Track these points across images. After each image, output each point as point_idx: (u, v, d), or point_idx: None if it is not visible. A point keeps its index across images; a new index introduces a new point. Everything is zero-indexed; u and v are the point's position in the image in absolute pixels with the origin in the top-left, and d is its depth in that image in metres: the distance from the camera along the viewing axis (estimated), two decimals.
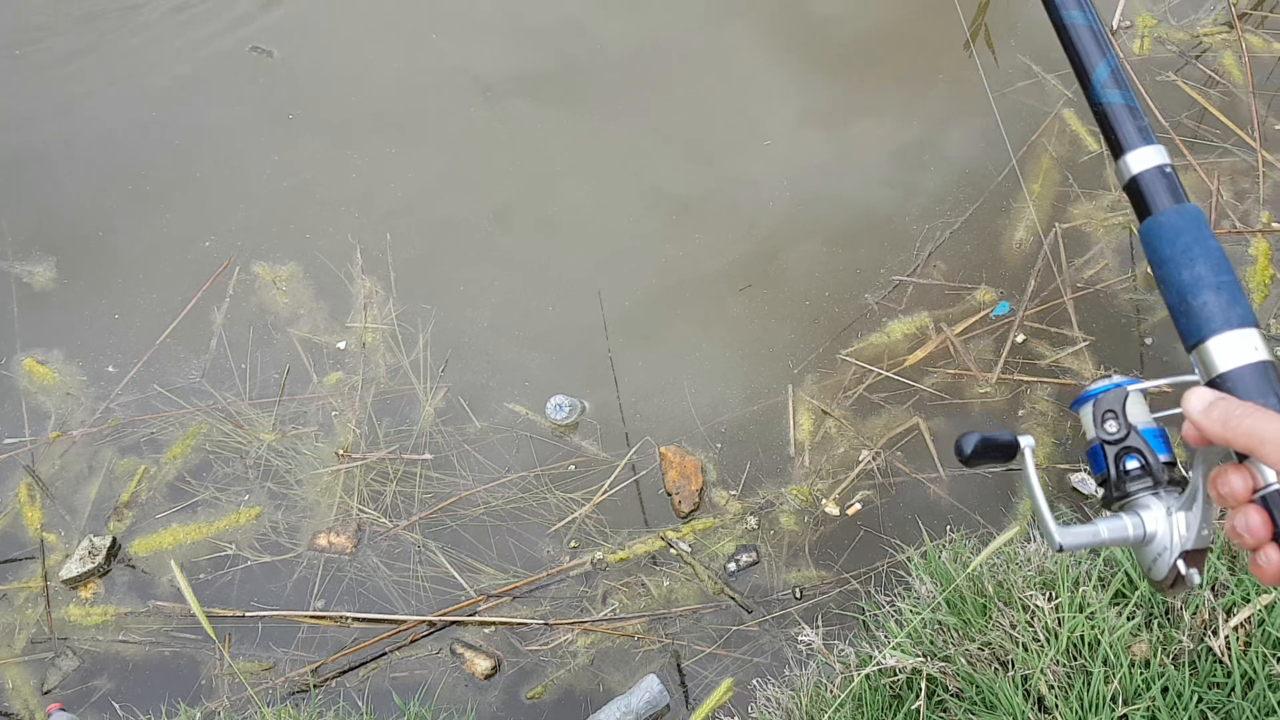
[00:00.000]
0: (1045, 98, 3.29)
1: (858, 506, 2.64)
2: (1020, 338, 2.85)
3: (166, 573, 2.60)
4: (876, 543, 2.59)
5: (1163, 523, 0.82)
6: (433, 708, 2.42)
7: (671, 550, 2.61)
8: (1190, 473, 0.80)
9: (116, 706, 2.43)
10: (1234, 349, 0.77)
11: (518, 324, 2.95)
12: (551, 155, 3.25)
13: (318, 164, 3.24)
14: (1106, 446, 0.85)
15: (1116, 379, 0.87)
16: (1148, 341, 2.82)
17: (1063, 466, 2.67)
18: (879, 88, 3.39)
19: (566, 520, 2.66)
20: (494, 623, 2.53)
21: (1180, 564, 0.80)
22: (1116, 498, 0.85)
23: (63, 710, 2.40)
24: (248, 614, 2.54)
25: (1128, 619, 2.07)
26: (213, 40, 3.49)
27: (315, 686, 2.45)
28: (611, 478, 2.71)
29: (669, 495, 2.68)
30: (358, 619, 2.54)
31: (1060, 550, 0.83)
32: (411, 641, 2.52)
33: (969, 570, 2.19)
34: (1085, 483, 2.60)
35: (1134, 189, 0.86)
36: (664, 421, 2.79)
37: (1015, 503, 2.61)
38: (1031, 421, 2.73)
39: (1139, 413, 0.86)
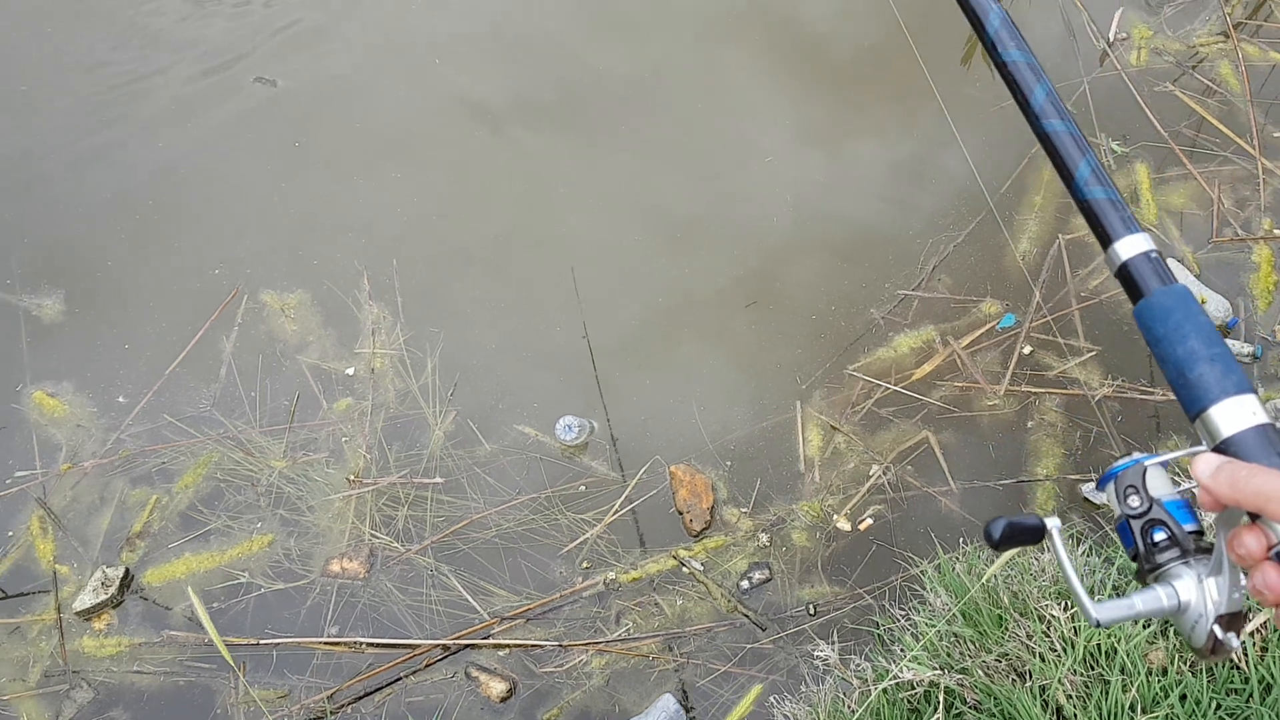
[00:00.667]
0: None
1: (869, 521, 2.64)
2: (1027, 349, 2.86)
3: (180, 602, 2.60)
4: (889, 557, 2.59)
5: (1195, 590, 0.84)
6: None
7: (684, 569, 2.61)
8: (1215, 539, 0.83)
9: None
10: (1233, 415, 0.81)
11: (525, 346, 2.96)
12: (554, 179, 3.27)
13: (324, 191, 3.26)
14: (1132, 521, 0.88)
15: (1135, 455, 0.91)
16: (1147, 352, 2.83)
17: (1073, 477, 2.67)
18: (877, 104, 3.41)
19: (578, 541, 2.66)
20: (508, 645, 2.53)
21: (1217, 629, 0.82)
22: (1148, 570, 0.87)
23: None
24: (262, 641, 2.54)
25: (1144, 627, 2.06)
26: (218, 71, 3.52)
27: (331, 713, 2.45)
28: (622, 497, 2.71)
29: (680, 514, 2.69)
30: (372, 644, 2.53)
31: (1098, 626, 0.86)
32: (426, 666, 2.51)
33: (983, 581, 2.19)
34: (1095, 493, 2.60)
35: (1124, 275, 0.92)
36: (673, 440, 2.79)
37: (1027, 514, 2.61)
38: (1040, 433, 2.73)
39: (1160, 485, 0.89)
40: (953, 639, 2.19)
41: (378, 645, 2.54)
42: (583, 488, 2.74)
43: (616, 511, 2.70)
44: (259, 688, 2.49)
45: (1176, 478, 0.91)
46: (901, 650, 2.27)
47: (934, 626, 2.22)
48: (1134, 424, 2.73)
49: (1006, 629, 2.14)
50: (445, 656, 2.53)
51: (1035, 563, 2.24)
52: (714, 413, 2.83)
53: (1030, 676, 2.05)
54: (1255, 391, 0.82)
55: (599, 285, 3.06)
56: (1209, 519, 0.83)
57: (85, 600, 2.58)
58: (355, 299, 3.03)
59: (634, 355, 2.94)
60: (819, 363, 2.88)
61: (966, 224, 3.08)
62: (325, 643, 2.54)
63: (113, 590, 2.59)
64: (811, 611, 2.54)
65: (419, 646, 2.53)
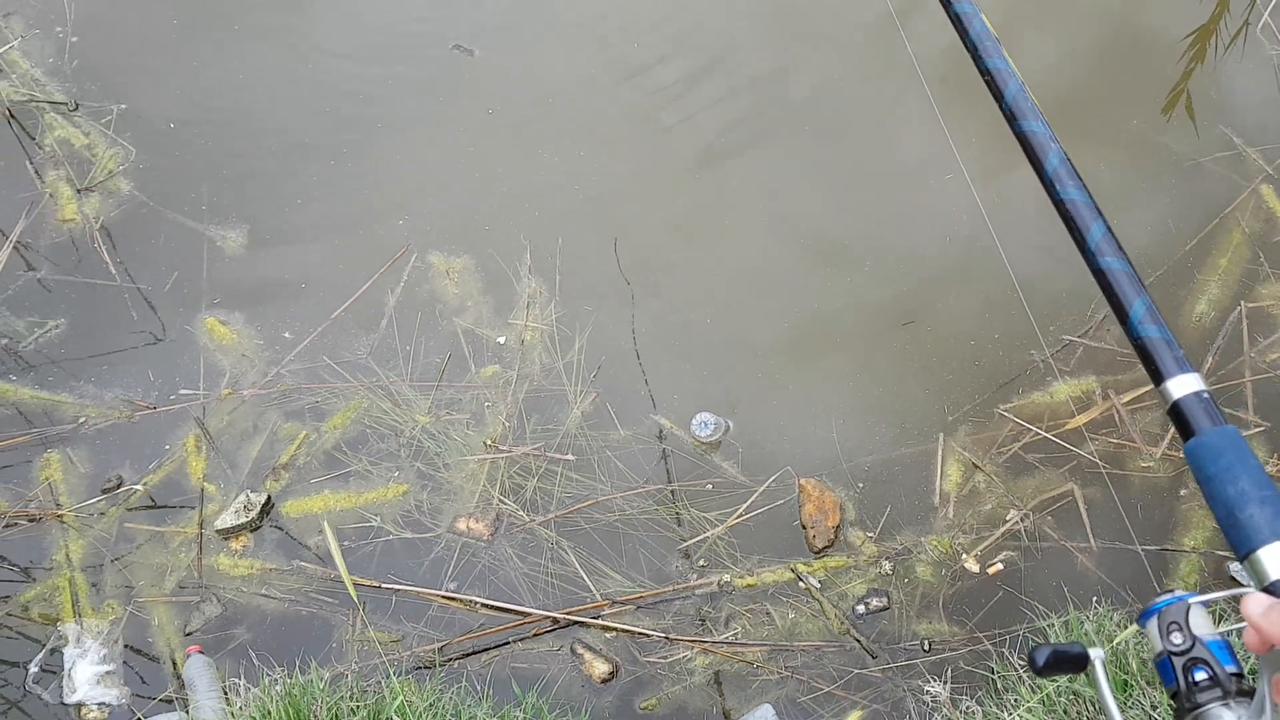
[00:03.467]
0: (1245, 171, 3.15)
1: (999, 566, 2.57)
2: None
3: (312, 536, 2.71)
4: (1015, 605, 2.51)
5: None
6: (549, 702, 2.45)
7: (800, 584, 2.58)
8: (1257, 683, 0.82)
9: (253, 655, 2.54)
10: None
11: (674, 336, 2.98)
12: (729, 179, 3.27)
13: (510, 159, 3.33)
14: (1174, 658, 0.88)
15: (1178, 593, 0.91)
16: None
17: (1221, 553, 2.54)
18: (1071, 147, 3.30)
19: (698, 538, 2.66)
20: (616, 629, 2.55)
21: None
22: (1188, 709, 0.86)
23: (201, 653, 2.52)
24: (384, 585, 2.63)
25: None
26: (422, 34, 3.63)
27: (439, 664, 2.51)
28: (748, 502, 2.70)
29: (804, 528, 2.66)
30: (486, 605, 2.59)
31: None
32: (535, 635, 2.56)
33: (1114, 644, 2.10)
34: (1240, 572, 2.46)
35: (1176, 413, 0.94)
36: (807, 452, 2.77)
37: (1168, 584, 2.50)
38: (1194, 502, 2.61)
39: (1203, 625, 0.89)
40: (1071, 696, 2.11)
41: (491, 607, 2.59)
42: (710, 486, 2.74)
43: (740, 515, 2.69)
44: (375, 629, 2.57)
45: (1219, 617, 0.88)
46: (1015, 700, 2.20)
47: (1054, 681, 2.14)
48: None
49: (1130, 695, 2.05)
50: (554, 629, 2.56)
51: None
52: (853, 431, 2.79)
53: None
54: None
55: (755, 289, 3.05)
56: (1250, 661, 0.83)
57: (227, 520, 2.72)
58: (515, 270, 3.10)
59: (782, 362, 2.92)
60: (969, 397, 2.81)
61: (1145, 275, 2.95)
62: (443, 596, 2.61)
63: (253, 514, 2.71)
64: (926, 648, 2.48)
65: (530, 615, 2.57)
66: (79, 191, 3.27)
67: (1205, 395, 0.93)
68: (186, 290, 3.10)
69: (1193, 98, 3.35)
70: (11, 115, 3.41)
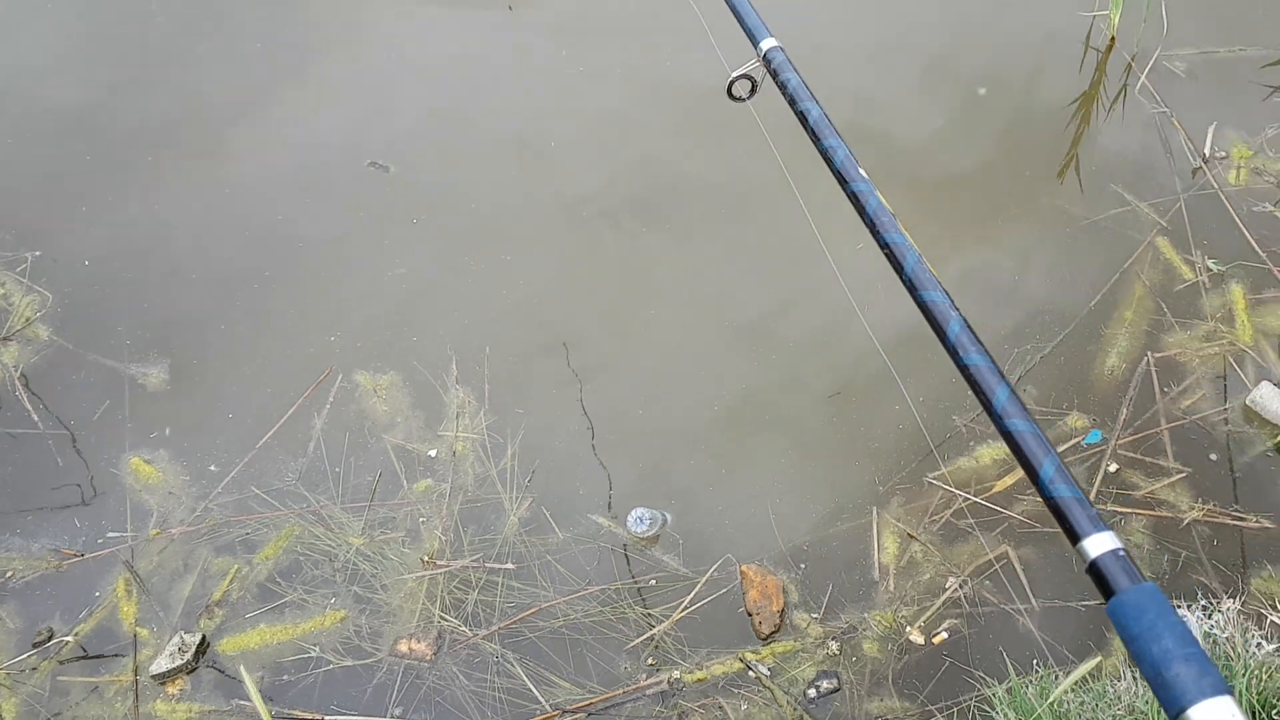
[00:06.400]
0: (1139, 225, 3.28)
1: (944, 635, 2.57)
2: (1114, 467, 2.79)
3: (251, 672, 2.65)
4: (962, 674, 2.51)
5: None
6: None
7: (750, 673, 2.57)
8: None
9: None
10: (1213, 716, 0.82)
11: (607, 431, 2.99)
12: (653, 270, 3.33)
13: (434, 270, 3.36)
14: None
15: None
16: (1239, 476, 2.74)
17: None
18: (967, 217, 3.42)
19: (644, 636, 2.64)
20: None
21: None
22: None
23: None
24: (326, 718, 2.56)
25: None
26: (333, 154, 3.68)
27: None
28: (691, 594, 2.69)
29: (749, 615, 2.65)
30: None
31: None
32: None
33: (1049, 702, 2.11)
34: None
35: (1095, 571, 0.95)
36: (747, 537, 2.78)
37: (1109, 637, 2.52)
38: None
39: None
40: None
41: None
42: (653, 581, 2.73)
43: (685, 608, 2.68)
44: None
45: None
46: None
47: None
48: (1226, 550, 2.63)
49: None
50: None
51: (1111, 689, 2.16)
52: (789, 510, 2.81)
53: None
54: (1231, 692, 0.84)
55: (684, 374, 3.09)
56: None
57: (161, 664, 2.65)
58: (444, 382, 3.11)
59: (715, 446, 2.94)
60: (899, 465, 2.85)
61: (1054, 335, 3.05)
62: None
63: (188, 656, 2.65)
64: None
65: None
66: None
67: (1121, 553, 0.95)
68: (110, 431, 3.06)
69: (1082, 161, 3.50)
70: None
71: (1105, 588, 0.93)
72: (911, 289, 1.23)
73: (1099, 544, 0.95)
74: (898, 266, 1.26)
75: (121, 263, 3.43)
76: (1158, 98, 3.64)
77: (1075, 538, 0.97)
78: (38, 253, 3.44)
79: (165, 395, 3.13)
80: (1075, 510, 0.98)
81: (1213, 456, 2.79)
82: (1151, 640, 0.87)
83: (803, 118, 1.53)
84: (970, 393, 1.14)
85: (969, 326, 1.16)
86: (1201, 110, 3.60)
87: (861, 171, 1.37)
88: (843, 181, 1.37)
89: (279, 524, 2.87)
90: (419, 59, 4.01)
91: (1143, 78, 3.70)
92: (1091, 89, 3.72)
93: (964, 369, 1.13)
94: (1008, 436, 1.07)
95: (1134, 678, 2.19)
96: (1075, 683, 2.25)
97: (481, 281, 3.33)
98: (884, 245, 1.29)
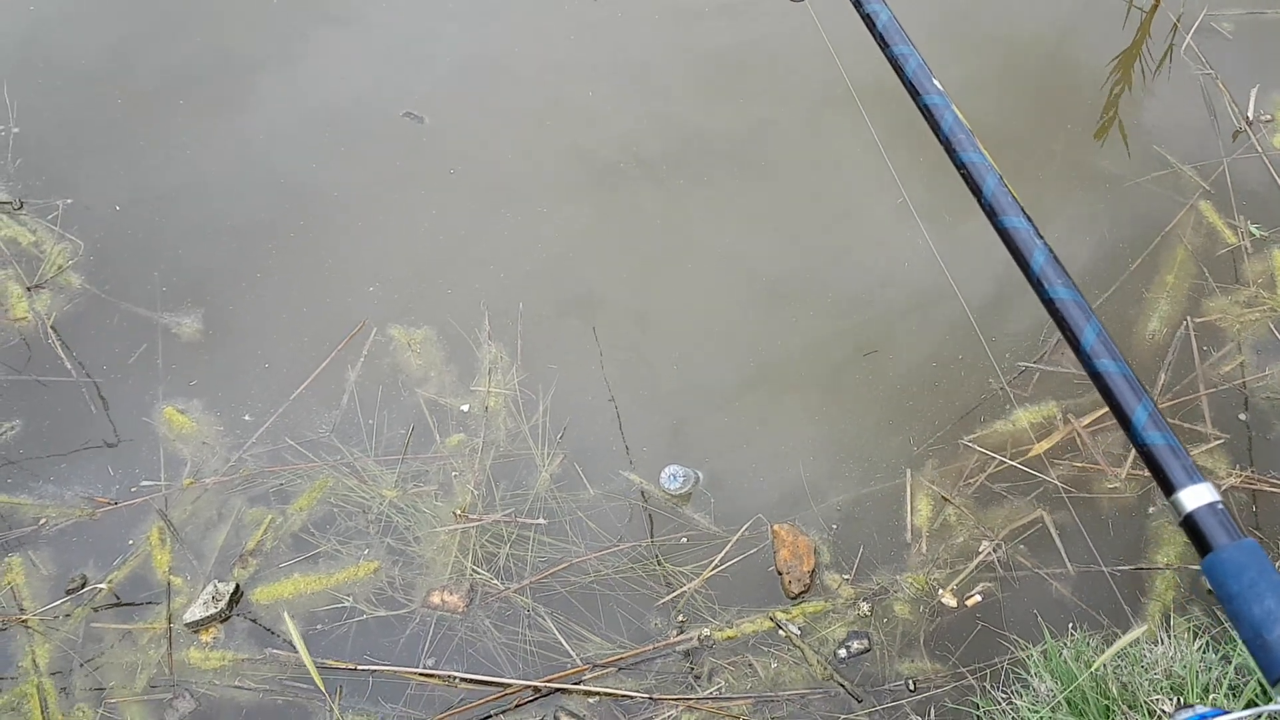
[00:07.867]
0: (1182, 188, 3.23)
1: (977, 598, 2.57)
2: None
3: (284, 621, 2.67)
4: (995, 638, 2.51)
5: None
6: None
7: (780, 632, 2.57)
8: None
9: None
10: None
11: (641, 389, 2.98)
12: (689, 227, 3.30)
13: (470, 222, 3.35)
14: None
15: (1199, 710, 0.88)
16: (1277, 442, 2.71)
17: (1194, 567, 2.56)
18: (1005, 174, 3.36)
19: (675, 594, 2.65)
20: (599, 693, 2.52)
21: None
22: None
23: None
24: (360, 667, 2.58)
25: None
26: (369, 105, 3.65)
27: None
28: (722, 553, 2.69)
29: (779, 575, 2.65)
30: (465, 680, 2.55)
31: None
32: (517, 706, 2.52)
33: (1092, 669, 2.10)
34: None
35: (1190, 525, 0.89)
36: (779, 496, 2.77)
37: (1144, 603, 2.51)
38: (1161, 519, 2.63)
39: None
40: None
41: (471, 681, 2.55)
42: (684, 539, 2.73)
43: (716, 567, 2.68)
44: (353, 713, 2.53)
45: None
46: None
47: (1037, 713, 2.14)
48: (1267, 516, 2.61)
49: None
50: (536, 698, 2.53)
51: (1148, 654, 2.15)
52: (822, 471, 2.80)
53: None
54: None
55: (719, 332, 3.07)
56: None
57: (195, 613, 2.67)
58: (476, 338, 3.09)
59: (749, 405, 2.93)
60: (934, 428, 2.83)
61: (1094, 298, 3.01)
62: (420, 673, 2.57)
63: (222, 605, 2.67)
64: (911, 687, 2.47)
65: (511, 686, 2.53)
66: (29, 290, 3.24)
67: (1219, 506, 0.88)
68: (143, 380, 3.07)
69: (1124, 122, 3.43)
70: None
71: (1202, 543, 0.87)
72: (990, 214, 1.13)
73: (1196, 496, 0.88)
74: (976, 189, 1.15)
75: (153, 211, 3.42)
76: (1203, 59, 3.57)
77: (1170, 489, 0.90)
78: (69, 200, 3.43)
79: (199, 345, 3.13)
80: (1169, 459, 0.91)
81: (1240, 417, 2.76)
82: (1253, 600, 0.81)
83: (869, 21, 1.34)
84: (1049, 331, 1.07)
85: (1055, 257, 1.07)
86: (1247, 73, 3.52)
87: (936, 83, 1.25)
88: (915, 94, 1.24)
89: (313, 475, 2.87)
90: (456, 8, 3.96)
91: (1189, 38, 3.62)
92: (1133, 48, 3.65)
93: (1048, 303, 1.04)
94: (1096, 378, 0.99)
95: (1172, 641, 2.18)
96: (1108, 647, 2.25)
97: (516, 234, 3.30)
98: (960, 166, 1.17)
